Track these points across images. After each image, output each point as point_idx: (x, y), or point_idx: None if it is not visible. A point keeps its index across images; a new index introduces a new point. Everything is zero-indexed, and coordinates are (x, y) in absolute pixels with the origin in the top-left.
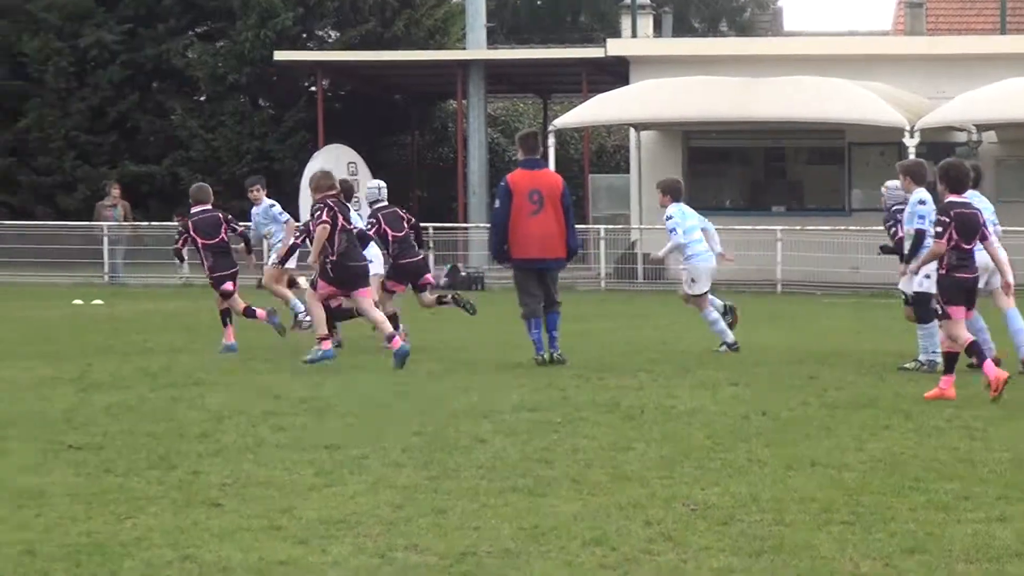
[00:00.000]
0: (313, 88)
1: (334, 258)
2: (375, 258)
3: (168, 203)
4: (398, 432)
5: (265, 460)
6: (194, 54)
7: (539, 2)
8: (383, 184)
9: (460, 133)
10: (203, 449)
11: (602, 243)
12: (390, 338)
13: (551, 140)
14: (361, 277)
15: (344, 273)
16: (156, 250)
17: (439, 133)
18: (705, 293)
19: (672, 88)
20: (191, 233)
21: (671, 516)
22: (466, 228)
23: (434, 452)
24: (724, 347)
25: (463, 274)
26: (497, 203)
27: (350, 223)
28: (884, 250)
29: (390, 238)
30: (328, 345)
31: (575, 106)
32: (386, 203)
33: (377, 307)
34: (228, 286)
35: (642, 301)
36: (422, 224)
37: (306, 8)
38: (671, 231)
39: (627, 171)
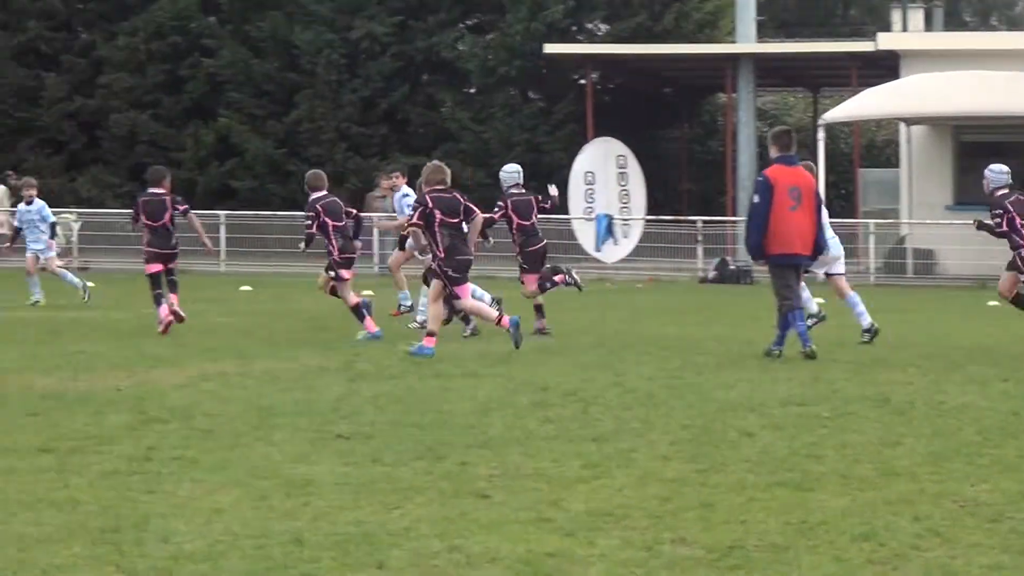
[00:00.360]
0: (583, 81)
1: (442, 254)
2: None
3: None
4: (666, 425)
5: (533, 452)
6: (464, 46)
7: None
8: (519, 169)
9: (729, 127)
10: (471, 440)
11: (871, 237)
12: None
13: (820, 134)
14: (468, 267)
15: (459, 266)
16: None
17: (708, 127)
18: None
19: (943, 82)
20: (323, 216)
21: (940, 512)
22: (734, 222)
23: (702, 445)
24: (812, 319)
25: (731, 268)
26: (757, 198)
27: (454, 217)
28: (980, 226)
29: (515, 225)
30: (432, 343)
31: (845, 100)
32: (522, 190)
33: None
34: (347, 273)
35: (912, 296)
36: (691, 217)
37: (576, 1)
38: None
39: (897, 165)
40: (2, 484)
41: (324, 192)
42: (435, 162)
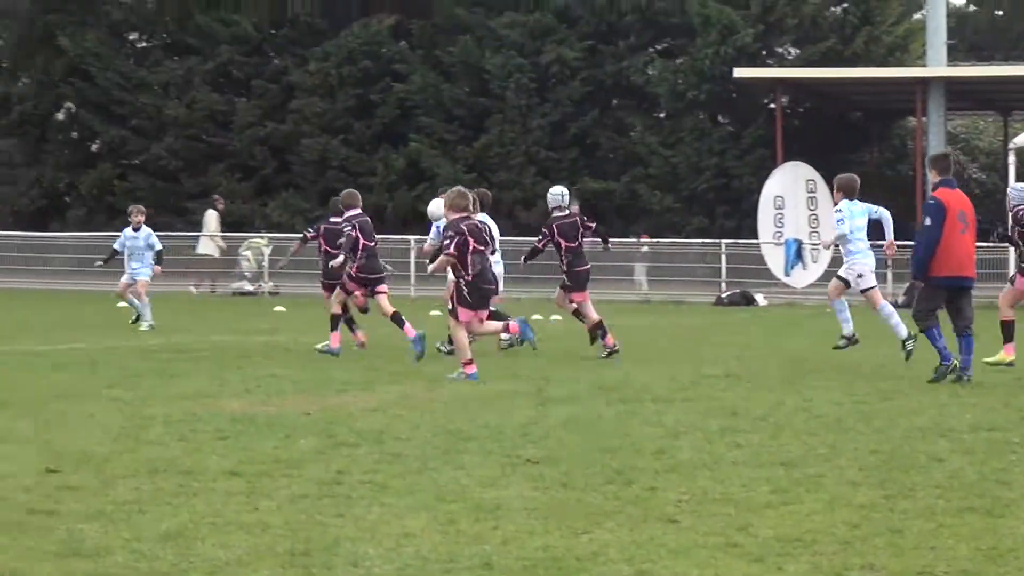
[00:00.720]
0: (772, 105)
1: (469, 279)
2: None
3: (627, 219)
4: (854, 450)
5: (722, 477)
6: (654, 71)
7: (999, 13)
8: (566, 191)
9: (919, 151)
10: (659, 465)
11: None
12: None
13: (1011, 158)
14: (489, 298)
15: (478, 294)
16: (613, 266)
17: (898, 151)
18: (874, 287)
19: None
20: (358, 233)
21: None
22: None
23: (890, 471)
24: (911, 340)
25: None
26: (929, 220)
27: (484, 244)
28: (1000, 237)
29: (563, 248)
30: (472, 369)
31: None
32: (566, 212)
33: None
34: (358, 290)
35: None
36: (879, 241)
37: (766, 25)
38: (839, 222)
39: None
40: (193, 507)
41: (359, 211)
42: (459, 188)
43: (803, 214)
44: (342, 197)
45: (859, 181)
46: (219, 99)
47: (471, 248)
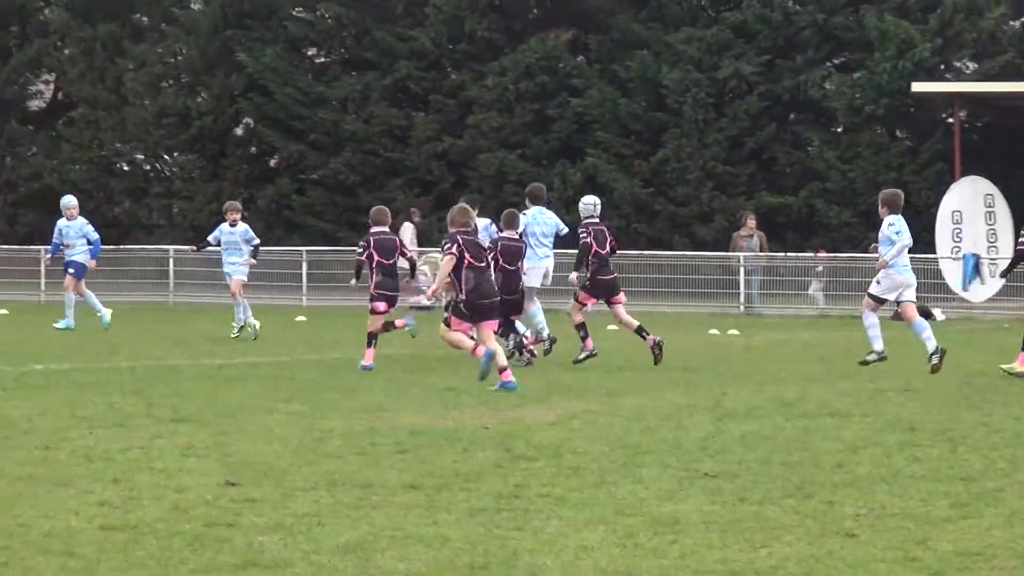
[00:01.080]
0: (950, 119)
1: (464, 297)
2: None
3: (804, 234)
4: None
5: (900, 491)
6: (831, 85)
7: None
8: (598, 201)
9: None
10: (838, 479)
11: None
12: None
13: None
14: (491, 311)
15: (475, 308)
16: (791, 280)
17: None
18: (880, 300)
19: None
20: (372, 249)
21: None
22: None
23: None
24: (873, 355)
25: None
26: None
27: (480, 260)
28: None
29: (592, 252)
30: (482, 351)
31: None
32: (597, 220)
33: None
34: (382, 305)
35: None
36: None
37: (944, 39)
38: (897, 233)
39: None
40: (372, 520)
41: (384, 228)
42: (462, 204)
43: (981, 229)
44: (372, 214)
45: (903, 196)
46: (397, 114)
47: (466, 263)
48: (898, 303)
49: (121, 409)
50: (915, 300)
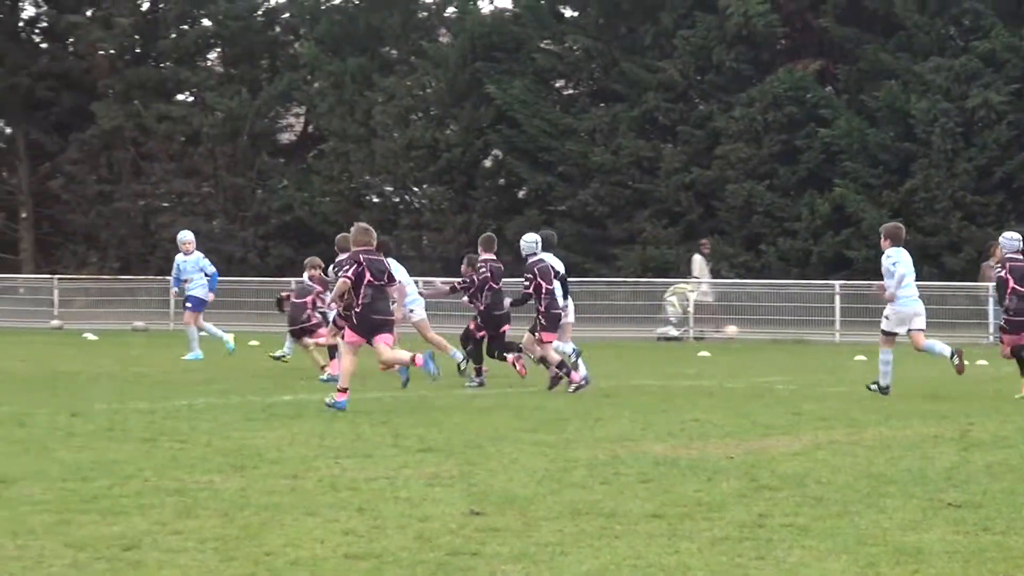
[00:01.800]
0: None
1: (358, 309)
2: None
3: None
4: None
5: None
6: None
7: None
8: (539, 238)
9: None
10: None
11: None
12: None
13: None
14: (383, 325)
15: (366, 323)
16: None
17: None
18: (891, 334)
19: None
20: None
21: None
22: None
23: None
24: (875, 386)
25: None
26: None
27: (379, 279)
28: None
29: (543, 290)
30: (343, 397)
31: None
32: (539, 257)
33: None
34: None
35: None
36: None
37: None
38: (894, 264)
39: None
40: (614, 549)
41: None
42: (362, 223)
43: None
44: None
45: (904, 229)
46: (644, 145)
47: (366, 280)
48: (908, 332)
49: (369, 439)
50: (924, 328)
